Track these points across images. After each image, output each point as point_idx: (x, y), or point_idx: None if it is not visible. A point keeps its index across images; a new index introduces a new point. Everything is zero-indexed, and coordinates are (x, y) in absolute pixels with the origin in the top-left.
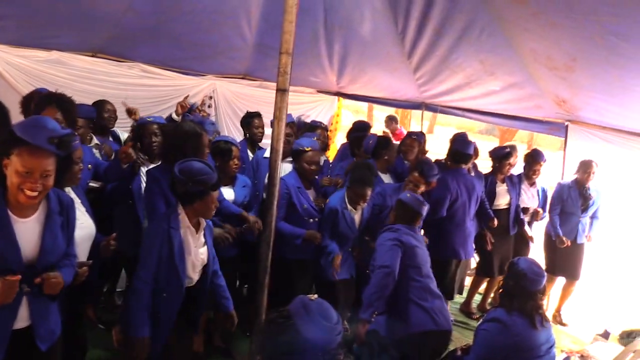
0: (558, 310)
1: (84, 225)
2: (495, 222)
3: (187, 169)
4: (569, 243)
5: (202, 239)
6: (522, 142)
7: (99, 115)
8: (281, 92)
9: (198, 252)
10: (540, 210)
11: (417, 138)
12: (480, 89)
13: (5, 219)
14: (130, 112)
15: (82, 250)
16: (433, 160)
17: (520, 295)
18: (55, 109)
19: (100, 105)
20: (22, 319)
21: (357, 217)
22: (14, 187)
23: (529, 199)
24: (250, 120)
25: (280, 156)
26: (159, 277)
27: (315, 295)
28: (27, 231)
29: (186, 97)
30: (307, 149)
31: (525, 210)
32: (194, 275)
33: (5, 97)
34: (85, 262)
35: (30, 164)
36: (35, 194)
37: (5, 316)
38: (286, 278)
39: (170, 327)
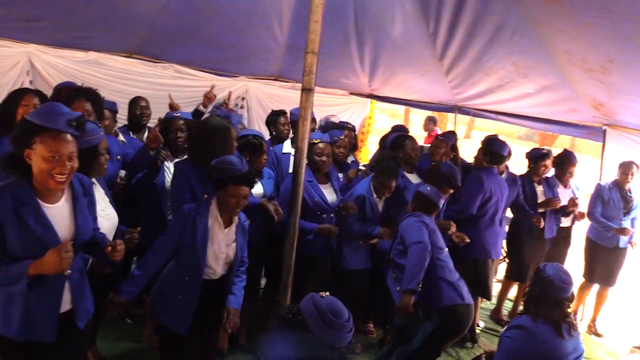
0: (593, 320)
1: (109, 216)
2: (542, 222)
3: (220, 159)
4: (631, 231)
5: (233, 236)
6: (563, 148)
7: (133, 112)
8: (306, 91)
9: (224, 245)
10: (582, 212)
11: (445, 139)
12: (513, 92)
13: (37, 207)
14: (172, 108)
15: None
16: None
17: (547, 303)
18: (85, 100)
19: (134, 101)
20: (66, 303)
21: (380, 206)
22: (43, 175)
23: (566, 200)
24: (276, 119)
25: (305, 155)
26: (180, 261)
27: (327, 293)
28: (59, 216)
29: (212, 87)
30: (315, 141)
31: (562, 209)
32: (217, 267)
33: None
34: (113, 242)
35: (56, 148)
36: (64, 177)
37: (54, 301)
38: (299, 274)
39: (194, 310)
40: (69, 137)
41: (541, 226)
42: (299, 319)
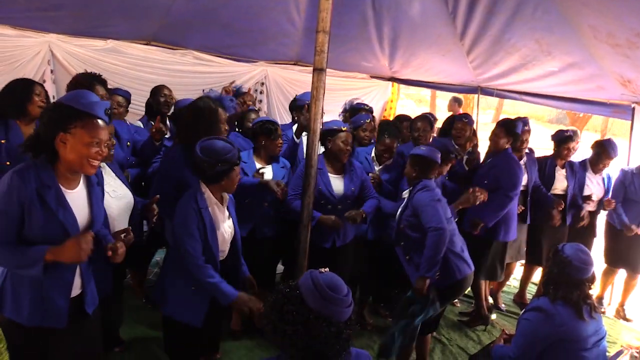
0: (622, 305)
1: (121, 196)
2: (562, 204)
3: (211, 149)
4: (639, 231)
5: (227, 212)
6: (595, 130)
7: (156, 100)
8: (318, 71)
9: (225, 225)
10: (612, 201)
11: (469, 122)
12: (537, 71)
13: (60, 192)
14: (227, 93)
15: (121, 221)
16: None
17: (566, 284)
18: (100, 86)
19: (157, 90)
20: (76, 287)
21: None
22: (81, 159)
23: (594, 186)
24: (302, 104)
25: (318, 137)
26: None
27: (326, 269)
28: (77, 201)
29: (232, 83)
30: (343, 129)
31: (587, 197)
32: (226, 248)
33: (64, 84)
34: (124, 229)
35: (98, 134)
36: (98, 162)
37: (66, 286)
38: (314, 262)
39: (207, 305)
40: (105, 125)
41: (561, 208)
42: (295, 293)
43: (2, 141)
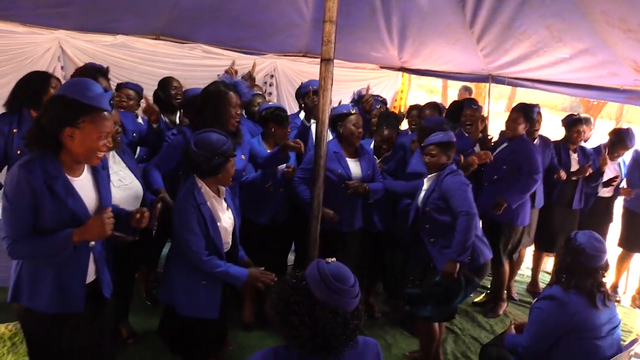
0: (638, 292)
1: (128, 186)
2: (564, 175)
3: (207, 142)
4: None
5: (224, 204)
6: (610, 118)
7: (166, 93)
8: (325, 61)
9: (226, 217)
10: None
11: (478, 108)
12: (548, 58)
13: (67, 181)
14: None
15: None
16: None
17: (579, 272)
18: (103, 78)
19: (167, 82)
20: (91, 273)
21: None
22: (88, 153)
23: (610, 172)
24: (307, 91)
25: (327, 127)
26: None
27: (333, 259)
28: (84, 187)
29: (233, 63)
30: (352, 112)
31: (608, 183)
32: (229, 239)
33: None
34: (139, 209)
35: (105, 127)
36: (104, 154)
37: (81, 273)
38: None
39: (219, 295)
40: (110, 116)
41: (563, 178)
42: (302, 284)
43: (14, 130)
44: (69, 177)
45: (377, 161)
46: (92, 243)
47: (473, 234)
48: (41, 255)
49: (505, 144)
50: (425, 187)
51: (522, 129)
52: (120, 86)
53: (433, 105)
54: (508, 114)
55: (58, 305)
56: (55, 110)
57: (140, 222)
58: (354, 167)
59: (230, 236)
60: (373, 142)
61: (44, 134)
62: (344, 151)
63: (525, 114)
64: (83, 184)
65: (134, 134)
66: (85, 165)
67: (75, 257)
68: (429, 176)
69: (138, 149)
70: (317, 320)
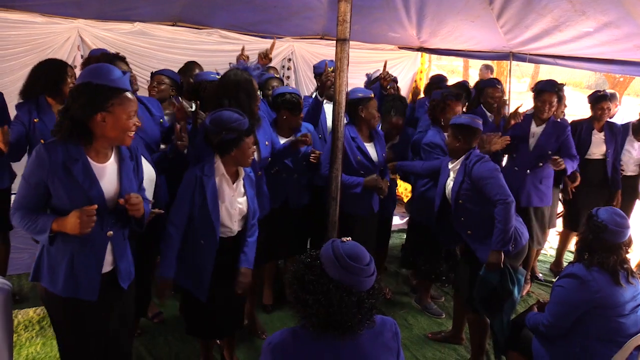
0: None
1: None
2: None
3: (217, 118)
4: None
5: (242, 189)
6: (637, 95)
7: (187, 79)
8: (341, 41)
9: (235, 201)
10: None
11: (500, 85)
12: (571, 32)
13: (87, 163)
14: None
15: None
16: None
17: (601, 249)
18: (123, 63)
19: (188, 68)
20: (108, 263)
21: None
22: (122, 134)
23: (634, 150)
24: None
25: (344, 109)
26: (195, 225)
27: (349, 238)
28: (107, 174)
29: (243, 49)
30: (371, 96)
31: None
32: (232, 224)
33: None
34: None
35: (133, 107)
36: (134, 132)
37: (96, 262)
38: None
39: (210, 275)
40: (133, 96)
41: (561, 167)
42: (316, 263)
43: (35, 120)
44: (93, 162)
45: (386, 147)
46: (110, 232)
47: (514, 221)
48: (28, 231)
49: (542, 127)
50: (452, 176)
51: (555, 111)
52: (153, 74)
53: (460, 85)
54: (529, 93)
55: (71, 290)
56: (85, 98)
57: (130, 210)
58: (372, 151)
59: (236, 223)
60: (380, 127)
61: (75, 123)
62: (361, 135)
63: (559, 96)
64: (106, 170)
65: (161, 120)
66: (113, 154)
67: (91, 245)
68: (454, 164)
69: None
70: (331, 299)
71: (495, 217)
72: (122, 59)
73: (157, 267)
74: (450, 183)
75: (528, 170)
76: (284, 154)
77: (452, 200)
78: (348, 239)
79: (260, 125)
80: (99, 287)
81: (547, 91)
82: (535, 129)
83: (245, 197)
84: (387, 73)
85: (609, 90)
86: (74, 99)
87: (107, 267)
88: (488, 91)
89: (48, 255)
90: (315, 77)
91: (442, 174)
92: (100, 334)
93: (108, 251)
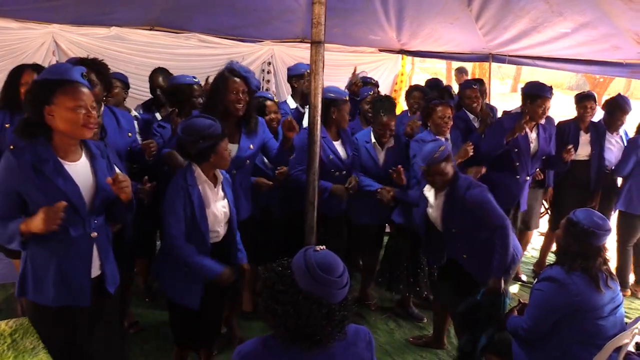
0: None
1: None
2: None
3: (192, 127)
4: None
5: (221, 193)
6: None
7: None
8: (316, 44)
9: (218, 205)
10: None
11: (477, 86)
12: (548, 33)
13: (58, 164)
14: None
15: None
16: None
17: (582, 253)
18: (90, 71)
19: (150, 77)
20: (95, 268)
21: (382, 156)
22: (71, 126)
23: (613, 147)
24: (300, 73)
25: (320, 113)
26: (185, 234)
27: (323, 247)
28: (80, 173)
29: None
30: (345, 98)
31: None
32: (219, 228)
33: None
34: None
35: (80, 97)
36: (94, 124)
37: (84, 265)
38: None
39: (201, 287)
40: (85, 89)
41: (570, 158)
42: (287, 272)
43: (7, 125)
44: (63, 161)
45: (381, 154)
46: (95, 234)
47: (512, 245)
48: (1, 241)
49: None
50: (431, 201)
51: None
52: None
53: (419, 88)
54: (513, 94)
55: (63, 298)
56: (31, 95)
57: (119, 190)
58: (340, 150)
59: (222, 226)
60: (372, 132)
61: (30, 123)
62: (330, 135)
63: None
64: (78, 168)
65: (129, 134)
66: (83, 152)
67: (76, 249)
68: (431, 190)
69: None
70: (299, 311)
71: (496, 243)
72: (90, 66)
73: (135, 275)
74: (431, 210)
75: (528, 177)
76: (282, 154)
77: (444, 229)
78: (322, 247)
79: (255, 130)
80: (90, 292)
81: (544, 97)
82: (530, 135)
83: (226, 200)
84: (358, 78)
85: (589, 91)
86: (24, 99)
87: (94, 271)
88: (465, 92)
89: (32, 267)
90: (288, 80)
91: (421, 201)
92: (89, 342)
93: (95, 256)
